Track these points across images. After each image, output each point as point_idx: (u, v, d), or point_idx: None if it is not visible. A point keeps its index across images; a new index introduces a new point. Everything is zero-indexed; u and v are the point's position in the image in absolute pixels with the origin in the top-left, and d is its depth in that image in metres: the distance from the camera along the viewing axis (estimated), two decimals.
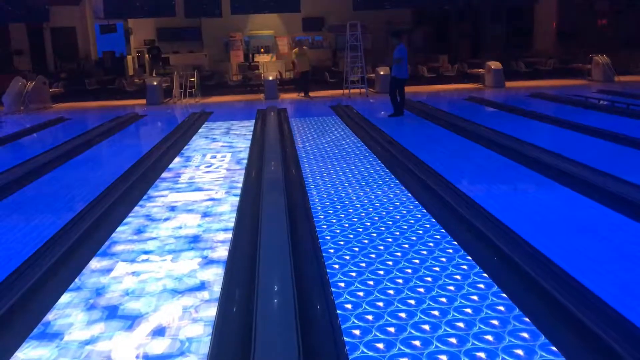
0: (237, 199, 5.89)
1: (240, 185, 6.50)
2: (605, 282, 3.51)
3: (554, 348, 2.79)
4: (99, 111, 15.39)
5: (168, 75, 18.40)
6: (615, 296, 3.29)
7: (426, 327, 3.07)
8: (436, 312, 3.22)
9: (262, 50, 21.71)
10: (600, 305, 3.21)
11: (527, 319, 3.10)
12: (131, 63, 21.80)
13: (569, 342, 2.86)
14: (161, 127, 12.55)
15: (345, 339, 3.00)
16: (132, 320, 3.31)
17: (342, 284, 3.68)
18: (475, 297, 3.39)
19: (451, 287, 3.55)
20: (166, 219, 5.26)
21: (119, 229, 5.04)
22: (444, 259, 4.01)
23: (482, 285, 3.55)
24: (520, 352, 2.78)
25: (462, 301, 3.35)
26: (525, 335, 2.94)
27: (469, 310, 3.23)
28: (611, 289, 3.41)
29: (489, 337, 2.93)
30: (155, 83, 16.46)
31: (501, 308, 3.24)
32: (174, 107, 15.66)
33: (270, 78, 16.70)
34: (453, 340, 2.92)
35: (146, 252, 4.42)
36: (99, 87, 18.77)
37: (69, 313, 3.43)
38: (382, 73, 16.58)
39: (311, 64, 17.38)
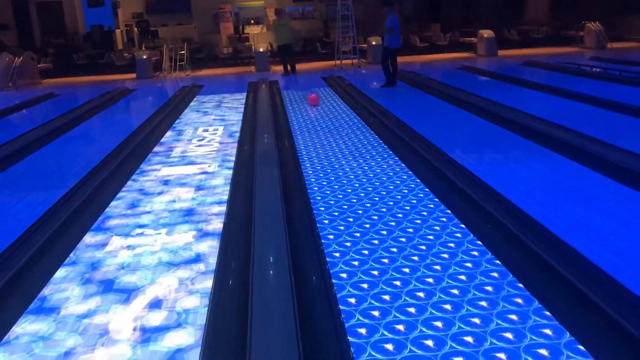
0: (231, 171, 5.88)
1: (233, 158, 6.48)
2: (598, 247, 3.54)
3: (547, 312, 2.83)
4: (88, 86, 15.23)
5: (157, 48, 18.19)
6: (607, 260, 3.32)
7: (421, 294, 3.10)
8: (430, 280, 3.25)
9: (252, 21, 21.46)
10: (592, 269, 3.24)
11: (520, 285, 3.13)
12: (120, 37, 21.51)
13: (562, 306, 2.89)
14: (152, 101, 12.45)
15: (341, 307, 3.02)
16: (128, 294, 3.32)
17: (337, 254, 3.70)
18: (469, 264, 3.41)
19: (445, 255, 3.57)
20: (160, 193, 5.25)
21: (113, 203, 5.02)
22: (437, 228, 4.03)
23: (475, 253, 3.58)
24: (514, 317, 2.81)
25: (456, 268, 3.37)
26: (519, 300, 2.97)
27: (463, 277, 3.26)
28: (604, 253, 3.44)
29: (483, 303, 2.96)
30: (144, 57, 16.28)
31: (495, 275, 3.27)
32: (164, 81, 15.52)
33: (261, 50, 16.55)
34: (448, 307, 2.95)
35: (141, 226, 4.42)
36: (88, 62, 18.55)
37: (65, 288, 3.43)
38: (374, 43, 16.46)
39: (295, 36, 15.95)
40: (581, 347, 2.53)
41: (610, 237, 3.72)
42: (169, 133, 8.11)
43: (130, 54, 18.43)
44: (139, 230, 4.33)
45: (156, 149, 7.14)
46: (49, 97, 13.13)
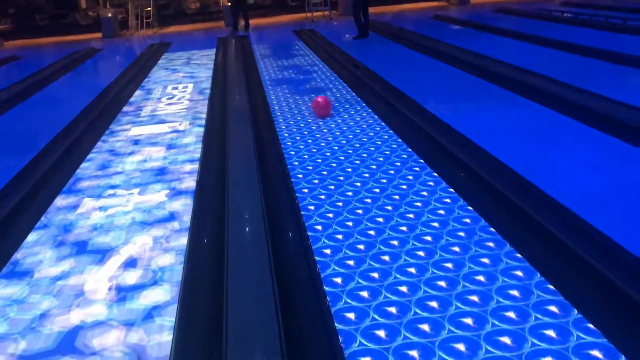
0: (202, 129, 5.80)
1: (204, 115, 6.38)
2: (568, 189, 3.59)
3: (519, 255, 2.88)
4: (52, 47, 14.79)
5: (123, 6, 17.63)
6: (577, 201, 3.38)
7: (395, 242, 3.13)
8: (404, 228, 3.28)
9: None
10: (563, 212, 3.30)
11: (492, 229, 3.17)
12: None
13: (533, 249, 2.95)
14: (119, 60, 12.15)
15: (317, 258, 3.04)
16: (102, 254, 3.30)
17: (312, 207, 3.70)
18: (442, 212, 3.45)
19: (418, 204, 3.60)
20: (130, 153, 5.17)
21: (83, 165, 4.94)
22: (410, 177, 4.05)
23: (448, 200, 3.61)
24: (486, 260, 2.86)
25: (430, 216, 3.41)
26: (491, 244, 3.01)
27: (436, 224, 3.29)
28: (573, 195, 3.49)
29: (456, 249, 3.00)
30: (109, 15, 15.79)
31: (467, 220, 3.31)
32: (131, 39, 15.13)
33: (230, 4, 16.12)
34: (421, 253, 2.99)
35: (112, 187, 4.36)
36: (51, 22, 17.95)
37: (37, 251, 3.40)
38: None
39: None
40: (551, 287, 2.59)
41: (578, 178, 3.78)
42: (137, 92, 7.95)
43: (95, 12, 17.86)
44: (110, 191, 4.28)
45: (125, 108, 7.00)
46: (11, 60, 12.72)
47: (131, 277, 3.01)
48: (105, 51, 13.16)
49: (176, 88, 8.01)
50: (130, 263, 3.16)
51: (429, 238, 3.14)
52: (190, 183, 4.32)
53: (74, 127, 6.25)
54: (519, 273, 2.72)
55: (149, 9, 16.35)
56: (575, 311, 2.40)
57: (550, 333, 2.28)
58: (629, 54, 7.43)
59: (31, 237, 3.60)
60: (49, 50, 14.37)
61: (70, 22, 17.82)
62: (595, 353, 2.15)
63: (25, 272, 3.16)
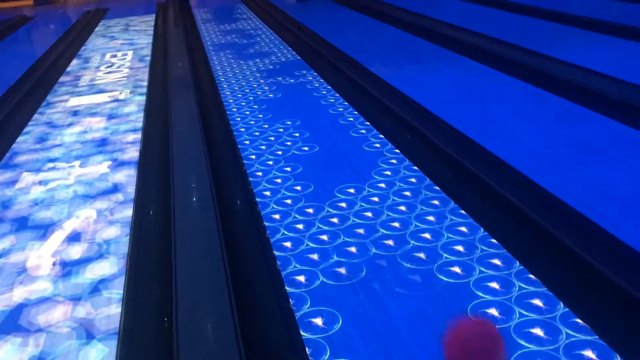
0: (144, 98, 5.64)
1: (145, 83, 6.20)
2: (510, 146, 3.68)
3: (462, 211, 2.95)
4: None
5: None
6: (518, 158, 3.47)
7: (343, 204, 3.15)
8: (352, 190, 3.30)
9: None
10: (505, 168, 3.39)
11: (437, 188, 3.23)
12: None
13: (476, 205, 3.02)
14: (53, 28, 11.60)
15: (266, 223, 3.04)
16: (44, 229, 3.20)
17: (260, 173, 3.68)
18: (388, 172, 3.48)
19: (365, 165, 3.62)
20: (69, 125, 4.99)
21: (20, 138, 4.74)
22: (357, 138, 4.06)
23: (394, 161, 3.65)
24: (431, 218, 2.92)
25: (376, 177, 3.44)
26: (436, 202, 3.07)
27: (382, 185, 3.33)
28: (515, 152, 3.59)
29: (402, 208, 3.05)
30: None
31: (413, 180, 3.36)
32: (66, 7, 14.44)
33: None
34: (369, 214, 3.02)
35: (52, 160, 4.21)
36: None
37: None
38: None
39: None
40: (494, 240, 2.67)
41: (521, 137, 3.88)
42: (74, 61, 7.63)
43: None
44: (50, 165, 4.13)
45: (62, 79, 6.72)
46: None
47: (76, 252, 2.94)
48: (38, 19, 12.53)
49: (115, 56, 7.74)
50: (74, 237, 3.08)
51: (376, 199, 3.17)
52: (133, 153, 4.21)
53: (7, 99, 5.96)
54: (464, 229, 2.79)
55: None
56: (517, 263, 2.49)
57: (495, 285, 2.36)
58: (566, 12, 7.58)
59: None
60: None
61: None
62: (537, 302, 2.24)
63: None
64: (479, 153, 3.64)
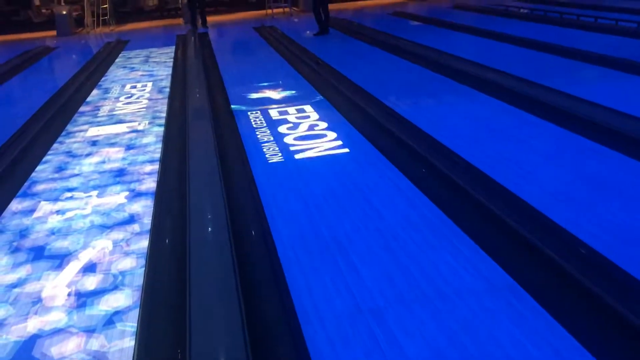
0: (162, 129, 5.71)
1: (164, 115, 6.28)
2: (527, 183, 3.66)
3: (477, 246, 2.92)
4: (4, 46, 14.32)
5: (78, 3, 17.19)
6: (535, 196, 3.45)
7: (355, 236, 3.13)
8: (364, 222, 3.29)
9: None
10: (521, 205, 3.37)
11: (454, 224, 3.21)
12: None
13: (490, 239, 3.00)
14: (75, 59, 11.86)
15: (281, 256, 3.03)
16: (60, 259, 3.21)
17: (275, 207, 3.68)
18: (401, 205, 3.47)
19: (378, 197, 3.62)
20: (88, 154, 5.05)
21: (39, 167, 4.81)
22: (372, 174, 4.07)
23: (408, 193, 3.64)
24: (445, 253, 2.90)
25: (388, 209, 3.43)
26: (450, 237, 3.05)
27: (395, 217, 3.32)
28: (532, 189, 3.57)
29: (416, 242, 3.03)
30: (64, 12, 15.37)
31: (427, 213, 3.34)
32: (87, 37, 14.78)
33: (187, 1, 15.90)
34: (381, 247, 3.00)
35: (70, 190, 4.26)
36: (2, 20, 17.39)
37: None
38: None
39: None
40: (511, 278, 2.64)
41: (538, 174, 3.86)
42: (94, 92, 7.77)
43: (49, 9, 17.38)
44: (68, 194, 4.17)
45: (82, 108, 6.83)
46: None
47: (91, 282, 2.94)
48: (61, 49, 12.83)
49: (135, 87, 7.87)
50: (90, 268, 3.09)
51: (390, 232, 3.16)
52: (150, 184, 4.25)
53: (28, 128, 6.07)
54: (478, 265, 2.76)
55: (105, 5, 16.00)
56: (532, 299, 2.45)
57: (510, 327, 2.33)
58: (582, 49, 7.61)
59: None
60: (1, 49, 13.92)
61: (23, 20, 17.31)
62: (548, 336, 2.20)
63: None
64: (495, 189, 3.62)
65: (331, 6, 11.68)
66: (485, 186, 3.68)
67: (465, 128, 4.99)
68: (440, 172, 3.98)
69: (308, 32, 11.86)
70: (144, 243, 3.32)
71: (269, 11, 15.87)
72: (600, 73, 6.54)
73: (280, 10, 16.09)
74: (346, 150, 4.63)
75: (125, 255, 3.20)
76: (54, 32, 15.24)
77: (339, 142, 4.82)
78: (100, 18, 15.83)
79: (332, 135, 5.02)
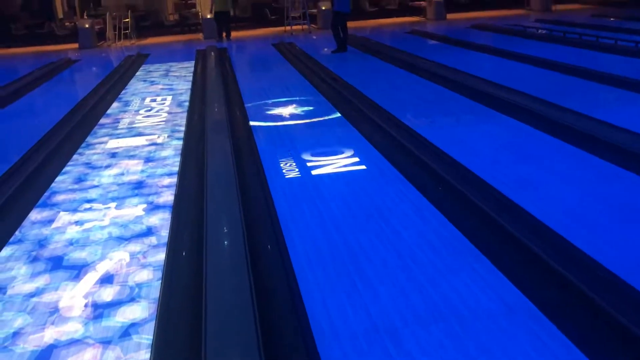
0: (181, 142, 5.76)
1: (183, 128, 6.34)
2: (547, 206, 3.64)
3: (495, 269, 2.90)
4: (28, 57, 14.58)
5: (100, 17, 17.49)
6: (556, 219, 3.42)
7: (373, 255, 3.13)
8: (382, 241, 3.28)
9: None
10: (542, 228, 3.34)
11: (473, 246, 3.19)
12: (60, 5, 20.55)
13: (510, 265, 2.97)
14: (96, 71, 12.03)
15: (296, 271, 3.02)
16: (78, 270, 3.24)
17: (292, 222, 3.69)
18: (418, 224, 3.46)
19: (395, 216, 3.61)
20: (107, 166, 5.10)
21: (58, 178, 4.86)
22: (391, 194, 4.07)
23: (425, 213, 3.63)
24: (464, 275, 2.87)
25: (405, 228, 3.41)
26: (470, 259, 3.03)
27: (411, 237, 3.30)
28: (552, 212, 3.54)
29: (432, 263, 3.01)
30: (87, 26, 15.64)
31: (445, 234, 3.33)
32: (109, 51, 15.00)
33: (209, 16, 16.11)
34: (398, 268, 2.99)
35: (89, 201, 4.30)
36: (27, 32, 17.71)
37: (11, 267, 3.32)
38: (323, 8, 16.27)
39: (232, 4, 16.07)
40: (529, 302, 2.61)
41: (559, 196, 3.83)
42: (115, 104, 7.87)
43: (72, 23, 17.69)
44: (87, 205, 4.21)
45: (102, 121, 6.92)
46: None
47: (108, 294, 2.96)
48: (82, 62, 13.02)
49: (154, 100, 7.96)
50: (107, 279, 3.11)
51: (406, 252, 3.15)
52: (168, 197, 4.27)
53: (49, 139, 6.15)
54: (495, 286, 2.74)
55: (127, 20, 16.25)
56: (551, 324, 2.42)
57: (528, 348, 2.30)
58: (601, 71, 7.57)
59: (5, 252, 3.52)
60: (25, 61, 14.17)
61: (46, 32, 17.61)
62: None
63: None
64: (514, 211, 3.60)
65: (349, 24, 11.75)
66: (504, 208, 3.66)
67: (483, 148, 4.98)
68: (458, 192, 3.96)
69: (326, 49, 11.94)
70: (160, 256, 3.34)
71: (288, 28, 16.01)
72: (620, 95, 6.50)
73: (299, 27, 16.22)
74: (363, 167, 4.64)
75: (142, 267, 3.22)
76: (76, 45, 15.50)
77: (356, 159, 4.82)
78: (122, 32, 16.07)
79: (349, 152, 5.03)
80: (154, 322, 2.67)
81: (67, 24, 18.14)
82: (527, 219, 3.47)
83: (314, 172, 4.58)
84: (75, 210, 4.13)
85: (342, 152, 5.04)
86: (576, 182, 4.06)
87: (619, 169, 4.20)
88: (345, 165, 4.70)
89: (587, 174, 4.21)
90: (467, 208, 3.74)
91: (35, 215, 4.09)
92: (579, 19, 14.37)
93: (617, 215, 3.47)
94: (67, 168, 5.12)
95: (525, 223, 3.41)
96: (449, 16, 16.97)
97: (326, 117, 6.34)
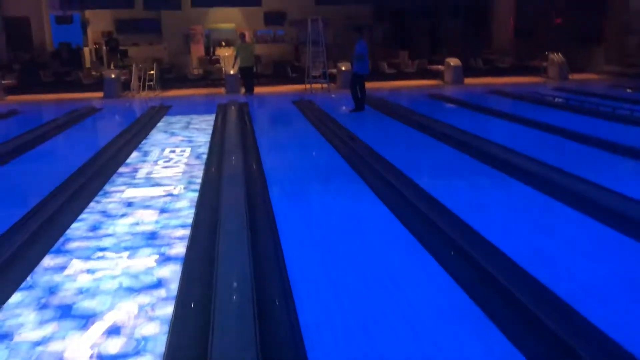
0: (196, 194, 5.82)
1: (199, 180, 6.41)
2: (560, 278, 3.59)
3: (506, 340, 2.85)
4: (54, 104, 14.98)
5: (126, 68, 18.02)
6: (570, 292, 3.37)
7: (383, 319, 3.09)
8: (395, 307, 3.25)
9: (223, 43, 21.49)
10: (554, 301, 3.29)
11: (491, 322, 3.14)
12: (88, 55, 21.28)
13: (522, 337, 2.92)
14: (119, 120, 12.31)
15: (303, 330, 2.99)
16: (86, 320, 3.23)
17: (301, 282, 3.67)
18: (430, 292, 3.42)
19: (404, 282, 3.58)
20: (123, 215, 5.16)
21: (74, 225, 4.91)
22: (403, 256, 4.05)
23: (438, 278, 3.60)
24: (476, 344, 2.82)
25: (421, 297, 3.38)
26: (480, 329, 2.98)
27: (422, 304, 3.26)
28: (566, 285, 3.49)
29: (444, 331, 2.96)
30: (113, 76, 16.10)
31: (456, 301, 3.28)
32: (132, 101, 15.37)
33: (232, 72, 16.53)
34: (410, 333, 2.95)
35: (102, 249, 4.33)
36: (55, 79, 18.27)
37: (19, 313, 3.32)
38: (343, 68, 16.62)
39: (255, 59, 16.95)
40: None
41: (573, 269, 3.78)
42: (134, 154, 8.01)
43: (99, 72, 18.23)
44: (99, 254, 4.24)
45: (121, 169, 7.03)
46: (12, 114, 12.86)
47: (114, 346, 2.94)
48: (106, 110, 13.34)
49: (174, 151, 8.09)
50: (114, 330, 3.10)
51: (418, 321, 3.10)
52: (180, 249, 4.29)
53: (68, 185, 6.25)
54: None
55: (152, 72, 16.71)
56: None
57: None
58: (618, 142, 7.59)
59: (15, 297, 3.53)
60: (50, 107, 14.56)
61: (73, 80, 18.14)
62: None
63: (4, 335, 3.08)
64: (529, 284, 3.54)
65: (368, 84, 11.98)
66: (519, 280, 3.60)
67: (499, 215, 4.96)
68: (473, 261, 3.92)
69: (344, 108, 12.13)
70: (168, 309, 3.33)
71: (308, 86, 16.34)
72: (636, 167, 6.49)
73: (319, 85, 16.55)
74: (377, 230, 4.63)
75: (149, 320, 3.20)
76: (101, 94, 15.91)
77: (368, 219, 4.82)
78: (146, 83, 16.50)
79: (361, 210, 5.04)
80: None
81: (93, 73, 18.69)
82: (543, 292, 3.41)
83: (326, 229, 4.58)
84: (87, 258, 4.16)
85: (355, 211, 5.04)
86: (594, 256, 4.01)
87: (635, 242, 4.15)
88: (357, 225, 4.70)
89: (605, 247, 4.16)
90: (482, 278, 3.70)
91: (48, 261, 4.12)
92: (596, 89, 14.51)
93: (635, 291, 3.40)
94: (83, 215, 5.18)
95: (541, 297, 3.36)
96: (467, 81, 17.23)
97: (341, 175, 6.38)
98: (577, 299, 3.25)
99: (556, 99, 12.80)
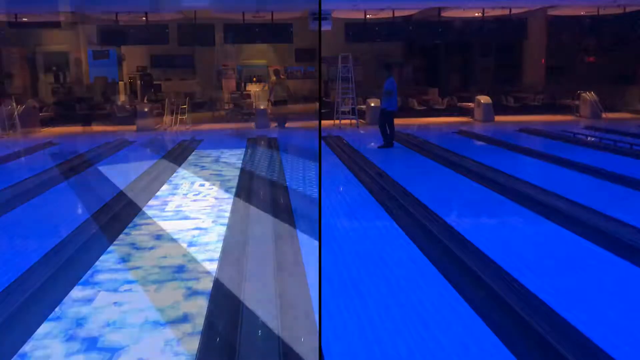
0: (224, 228, 5.84)
1: (227, 214, 6.45)
2: (592, 320, 3.48)
3: None
4: (88, 136, 15.34)
5: (159, 101, 18.42)
6: (601, 335, 3.26)
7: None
8: (424, 348, 3.18)
9: (255, 79, 21.86)
10: (586, 344, 3.18)
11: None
12: (123, 89, 21.84)
13: None
14: (150, 153, 12.52)
15: None
16: (111, 353, 3.23)
17: (329, 319, 3.63)
18: (460, 333, 3.35)
19: (432, 320, 3.51)
20: (151, 248, 5.20)
21: (103, 257, 4.97)
22: (431, 295, 3.98)
23: (468, 320, 3.51)
24: None
25: (449, 338, 3.30)
26: None
27: (452, 346, 3.19)
28: (597, 327, 3.38)
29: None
30: (146, 109, 16.46)
31: (485, 344, 3.20)
32: (164, 134, 15.65)
33: (262, 107, 16.77)
34: None
35: (129, 282, 4.35)
36: (90, 112, 18.75)
37: (47, 344, 3.35)
38: (372, 105, 16.71)
39: (289, 94, 17.87)
40: None
41: (605, 310, 3.66)
42: (165, 187, 8.11)
43: (132, 106, 18.66)
44: (127, 286, 4.27)
45: (151, 202, 7.12)
46: (47, 146, 13.20)
47: None
48: (138, 144, 13.60)
49: (203, 185, 8.17)
50: None
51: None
52: (207, 283, 4.29)
53: (99, 216, 6.35)
54: None
55: (184, 106, 17.04)
56: None
57: None
58: None
59: (43, 328, 3.56)
60: (85, 139, 14.91)
61: (107, 113, 18.60)
62: None
63: None
64: (560, 326, 3.45)
65: (397, 121, 12.01)
66: (550, 322, 3.51)
67: (528, 255, 4.86)
68: (503, 301, 3.84)
69: (372, 143, 12.16)
70: (194, 344, 3.31)
71: (337, 122, 16.45)
72: None
73: (348, 121, 16.65)
74: (405, 267, 4.57)
75: (174, 355, 3.19)
76: (134, 127, 16.25)
77: (398, 258, 4.77)
78: (179, 117, 16.81)
79: (389, 249, 4.99)
80: None
81: (127, 106, 19.15)
82: (576, 337, 3.32)
83: (353, 268, 4.54)
84: (115, 291, 4.18)
85: (383, 250, 5.00)
86: (628, 299, 3.88)
87: None
88: (384, 264, 4.65)
89: (634, 287, 4.03)
90: (512, 319, 3.61)
91: (76, 292, 4.16)
92: (630, 128, 14.29)
93: None
94: (112, 247, 5.24)
95: (574, 341, 3.26)
96: (497, 118, 17.14)
97: (369, 211, 6.35)
98: (613, 344, 3.14)
99: (589, 138, 12.63)
